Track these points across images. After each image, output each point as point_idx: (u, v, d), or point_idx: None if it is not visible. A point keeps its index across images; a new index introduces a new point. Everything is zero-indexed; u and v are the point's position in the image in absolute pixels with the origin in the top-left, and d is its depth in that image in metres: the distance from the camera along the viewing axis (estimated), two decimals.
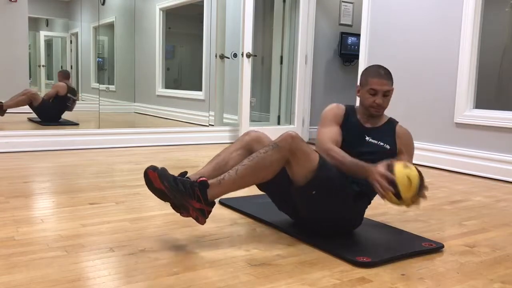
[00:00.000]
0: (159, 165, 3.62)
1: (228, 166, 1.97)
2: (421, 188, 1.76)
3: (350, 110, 2.13)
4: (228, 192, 1.81)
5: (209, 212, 1.78)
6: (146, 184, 1.80)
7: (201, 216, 1.77)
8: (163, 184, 1.72)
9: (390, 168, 1.76)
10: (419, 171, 1.79)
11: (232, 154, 2.03)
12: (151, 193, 2.68)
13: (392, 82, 2.05)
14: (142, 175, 3.18)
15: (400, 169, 1.75)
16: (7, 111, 4.73)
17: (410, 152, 2.09)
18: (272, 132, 5.11)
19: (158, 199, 1.83)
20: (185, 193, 1.72)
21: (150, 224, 2.13)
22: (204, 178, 1.78)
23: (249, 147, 2.04)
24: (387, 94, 2.03)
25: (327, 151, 1.95)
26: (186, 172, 1.88)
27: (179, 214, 1.82)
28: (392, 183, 1.72)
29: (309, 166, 1.81)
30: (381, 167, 1.78)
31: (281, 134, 1.82)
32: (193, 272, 1.61)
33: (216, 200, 1.84)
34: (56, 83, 5.23)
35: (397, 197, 1.73)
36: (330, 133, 2.04)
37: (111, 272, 1.58)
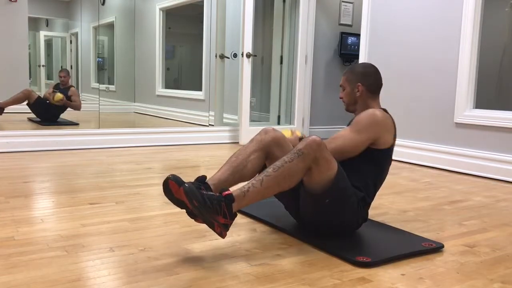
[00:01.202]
0: (159, 165, 3.63)
1: (246, 170, 1.93)
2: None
3: None
4: (251, 203, 1.77)
5: (231, 224, 1.73)
6: (164, 192, 1.74)
7: (225, 230, 1.72)
8: (192, 203, 1.64)
9: None
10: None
11: (250, 157, 1.97)
12: (151, 193, 2.69)
13: (349, 78, 2.11)
14: (142, 174, 3.19)
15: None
16: (6, 111, 4.73)
17: (352, 125, 1.99)
18: None
19: (166, 200, 1.78)
20: (212, 210, 1.66)
21: (150, 224, 2.13)
22: (229, 192, 1.72)
23: (267, 149, 1.99)
24: (343, 88, 2.14)
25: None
26: (205, 177, 1.82)
27: (193, 220, 1.76)
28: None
29: (329, 175, 1.79)
30: None
31: (304, 139, 1.79)
32: (193, 272, 1.61)
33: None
34: (73, 87, 5.26)
35: None
36: None
37: (111, 272, 1.58)
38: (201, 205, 1.63)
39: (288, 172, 1.74)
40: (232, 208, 1.70)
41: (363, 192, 1.97)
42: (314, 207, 1.91)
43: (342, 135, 1.97)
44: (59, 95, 4.99)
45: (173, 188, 1.70)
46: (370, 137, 1.96)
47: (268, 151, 2.00)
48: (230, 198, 1.70)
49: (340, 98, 2.16)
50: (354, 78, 2.10)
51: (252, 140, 2.03)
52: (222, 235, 1.72)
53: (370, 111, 1.99)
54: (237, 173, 1.93)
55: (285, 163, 1.75)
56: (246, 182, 1.80)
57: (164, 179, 1.73)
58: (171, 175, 1.72)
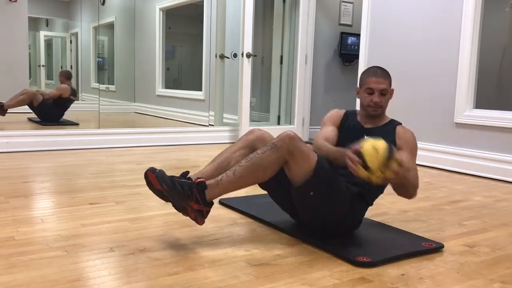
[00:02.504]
0: (158, 165, 3.63)
1: (230, 166, 1.96)
2: (389, 159, 1.68)
3: (350, 114, 2.16)
4: (226, 192, 1.82)
5: (208, 212, 1.79)
6: (147, 185, 1.82)
7: (200, 216, 1.78)
8: (161, 186, 1.74)
9: (360, 144, 1.75)
10: (388, 144, 1.71)
11: (235, 154, 2.02)
12: (151, 193, 2.69)
13: (390, 82, 2.05)
14: (142, 175, 3.19)
15: (367, 141, 1.72)
16: (7, 111, 4.73)
17: (410, 148, 2.00)
18: (272, 132, 5.11)
19: (160, 199, 1.84)
20: (183, 195, 1.73)
21: (150, 224, 2.13)
22: (202, 179, 1.79)
23: (252, 146, 2.03)
24: (384, 93, 2.03)
25: (316, 147, 1.99)
26: (187, 172, 1.88)
27: (181, 213, 1.83)
28: (358, 153, 1.69)
29: (307, 167, 1.80)
30: (353, 145, 1.78)
31: (279, 134, 1.82)
32: (193, 272, 1.61)
33: (215, 200, 1.85)
34: (58, 84, 5.21)
35: (365, 168, 1.68)
36: (323, 132, 2.10)
37: (111, 272, 1.58)
38: (170, 189, 1.72)
39: (260, 163, 1.78)
40: (205, 195, 1.76)
41: (363, 190, 1.97)
42: (302, 202, 1.92)
43: (412, 163, 1.95)
44: None
45: (151, 179, 1.78)
46: None
47: (253, 148, 2.03)
48: (202, 185, 1.76)
49: (377, 103, 2.02)
50: (391, 83, 2.08)
51: (238, 140, 2.10)
52: (198, 221, 1.79)
53: (412, 132, 2.06)
54: (221, 169, 1.97)
55: (257, 155, 1.80)
56: None
57: (144, 173, 1.81)
58: (150, 167, 1.80)
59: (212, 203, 1.80)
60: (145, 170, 1.80)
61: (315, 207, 1.90)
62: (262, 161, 1.78)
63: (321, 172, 1.83)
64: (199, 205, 1.75)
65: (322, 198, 1.86)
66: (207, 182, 1.78)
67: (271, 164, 1.79)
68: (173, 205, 1.83)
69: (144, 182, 2.97)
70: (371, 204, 2.05)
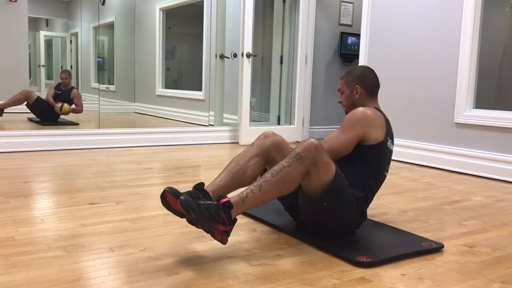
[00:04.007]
0: (159, 165, 3.63)
1: (246, 175, 1.94)
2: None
3: None
4: (250, 208, 1.76)
5: (231, 229, 1.72)
6: (163, 204, 1.73)
7: (225, 236, 1.71)
8: (190, 215, 1.63)
9: None
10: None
11: (250, 162, 1.96)
12: (151, 193, 2.69)
13: (346, 80, 2.14)
14: (142, 174, 3.19)
15: None
16: (6, 111, 4.73)
17: (341, 125, 2.03)
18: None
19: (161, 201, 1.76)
20: (210, 219, 1.64)
21: (150, 224, 2.13)
22: (227, 199, 1.70)
23: (267, 153, 1.99)
24: (341, 92, 2.16)
25: None
26: (203, 184, 1.82)
27: (194, 227, 1.76)
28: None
29: (327, 177, 1.79)
30: None
31: (302, 141, 1.78)
32: (193, 272, 1.61)
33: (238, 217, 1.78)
34: (75, 89, 5.25)
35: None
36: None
37: (111, 272, 1.58)
38: (198, 216, 1.62)
39: (286, 177, 1.74)
40: (231, 215, 1.69)
41: (362, 192, 1.97)
42: (313, 210, 1.91)
43: (333, 135, 2.01)
44: (66, 108, 5.04)
45: (170, 200, 1.70)
46: (356, 134, 1.96)
47: (268, 155, 2.00)
48: (228, 205, 1.69)
49: (340, 102, 2.17)
50: (352, 81, 2.12)
51: (252, 145, 2.03)
52: (223, 241, 1.71)
53: (355, 110, 2.01)
54: (237, 179, 1.92)
55: (283, 168, 1.74)
56: (244, 188, 1.79)
57: (161, 192, 1.72)
58: (167, 187, 1.71)
59: (236, 220, 1.73)
60: (162, 191, 1.72)
61: (323, 215, 1.89)
62: (288, 175, 1.73)
63: (337, 183, 1.82)
64: (226, 226, 1.68)
65: (333, 207, 1.87)
66: (232, 201, 1.70)
67: (297, 177, 1.75)
68: (187, 221, 1.72)
69: (144, 182, 2.99)
70: (370, 200, 2.07)
